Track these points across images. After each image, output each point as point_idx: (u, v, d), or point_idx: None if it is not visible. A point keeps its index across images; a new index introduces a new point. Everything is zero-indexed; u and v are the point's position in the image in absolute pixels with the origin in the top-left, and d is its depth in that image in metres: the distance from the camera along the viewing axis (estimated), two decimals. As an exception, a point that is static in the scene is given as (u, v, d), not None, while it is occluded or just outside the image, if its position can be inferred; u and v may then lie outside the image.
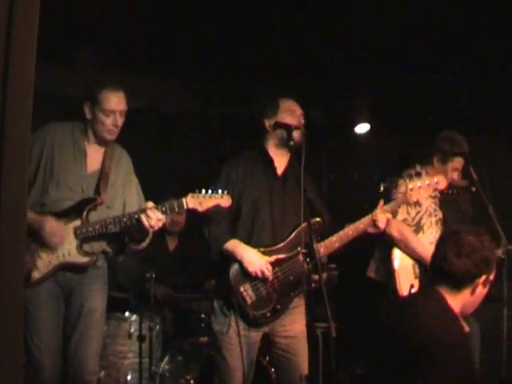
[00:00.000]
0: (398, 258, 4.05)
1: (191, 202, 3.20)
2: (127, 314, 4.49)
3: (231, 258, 3.37)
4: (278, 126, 3.46)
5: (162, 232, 5.30)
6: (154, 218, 3.14)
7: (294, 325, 3.45)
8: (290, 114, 3.52)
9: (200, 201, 3.21)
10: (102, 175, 3.27)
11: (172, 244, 5.32)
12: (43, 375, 3.08)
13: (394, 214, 3.85)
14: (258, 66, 5.39)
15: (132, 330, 4.42)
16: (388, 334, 2.44)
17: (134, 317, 4.46)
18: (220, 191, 3.25)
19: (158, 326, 4.55)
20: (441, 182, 3.66)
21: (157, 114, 6.01)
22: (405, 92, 5.62)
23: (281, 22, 4.71)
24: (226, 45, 5.08)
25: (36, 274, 3.07)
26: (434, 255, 2.48)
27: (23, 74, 1.49)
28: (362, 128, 6.07)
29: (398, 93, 5.66)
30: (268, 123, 3.56)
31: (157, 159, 5.87)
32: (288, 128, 3.41)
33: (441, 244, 2.48)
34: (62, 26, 4.26)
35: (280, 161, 3.58)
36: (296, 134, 3.42)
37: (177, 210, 3.21)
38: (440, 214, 4.23)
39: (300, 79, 5.53)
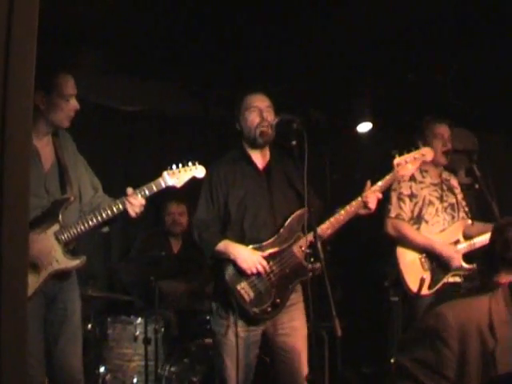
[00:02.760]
0: (402, 255, 4.05)
1: (168, 179, 3.19)
2: (132, 317, 4.51)
3: (225, 258, 3.35)
4: (279, 125, 3.45)
5: (166, 234, 5.32)
6: (138, 203, 3.12)
7: (293, 322, 3.43)
8: (253, 110, 3.47)
9: (176, 176, 3.20)
10: (62, 169, 3.17)
11: (176, 246, 5.33)
12: None
13: (387, 194, 3.84)
14: (259, 68, 5.39)
15: (137, 332, 4.43)
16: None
17: (139, 320, 4.47)
18: (190, 163, 3.25)
19: (163, 329, 4.55)
20: (427, 153, 3.66)
21: (158, 117, 6.02)
22: (407, 91, 5.62)
23: (281, 23, 4.71)
24: (226, 47, 5.09)
25: (28, 291, 2.87)
26: (493, 244, 2.45)
27: (23, 78, 1.49)
28: (364, 127, 6.07)
29: (399, 91, 5.66)
30: (237, 124, 3.54)
31: (158, 162, 5.88)
32: (288, 126, 3.37)
33: (498, 233, 2.45)
34: (63, 29, 4.28)
35: (259, 157, 3.55)
36: (261, 130, 3.44)
37: (155, 190, 3.17)
38: (451, 199, 4.20)
39: (301, 79, 5.53)
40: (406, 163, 3.57)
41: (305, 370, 3.36)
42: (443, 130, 4.19)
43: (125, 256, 5.34)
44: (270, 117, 3.48)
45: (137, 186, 3.24)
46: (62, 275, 3.11)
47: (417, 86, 5.50)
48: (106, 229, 3.41)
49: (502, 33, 4.58)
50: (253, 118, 3.48)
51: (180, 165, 3.23)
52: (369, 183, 3.49)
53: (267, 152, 3.58)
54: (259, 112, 3.47)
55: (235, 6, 4.38)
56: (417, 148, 4.11)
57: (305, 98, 5.81)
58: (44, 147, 3.16)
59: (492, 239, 2.48)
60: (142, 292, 4.85)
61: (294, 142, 3.32)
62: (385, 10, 4.47)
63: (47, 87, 3.06)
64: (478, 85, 5.28)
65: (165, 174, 3.20)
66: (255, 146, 3.52)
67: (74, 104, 3.13)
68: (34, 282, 2.94)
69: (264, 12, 4.53)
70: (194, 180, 3.30)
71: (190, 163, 3.25)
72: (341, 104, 6.10)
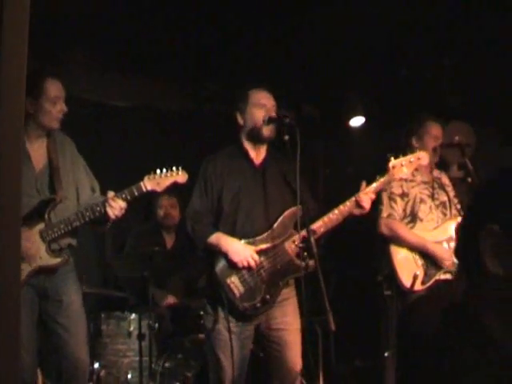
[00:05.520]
0: (395, 252, 4.06)
1: (149, 184, 3.28)
2: (126, 312, 4.51)
3: (217, 251, 3.36)
4: (271, 120, 3.45)
5: (159, 229, 5.31)
6: (117, 206, 3.23)
7: (285, 317, 3.43)
8: (260, 107, 3.48)
9: (157, 181, 3.29)
10: (53, 170, 3.31)
11: (170, 241, 5.32)
12: (23, 375, 3.13)
13: (381, 191, 3.83)
14: (251, 63, 5.38)
15: (131, 328, 4.43)
16: None
17: (133, 315, 4.47)
18: (174, 168, 3.31)
19: (157, 325, 4.54)
20: (423, 158, 3.67)
21: (152, 112, 6.00)
22: (399, 85, 5.62)
23: (274, 17, 4.71)
24: (219, 43, 5.08)
25: None
26: None
27: (14, 75, 1.49)
28: (357, 121, 6.06)
29: (392, 85, 5.66)
30: (240, 117, 3.54)
31: (152, 157, 5.86)
32: (280, 121, 3.39)
33: None
34: (56, 26, 4.26)
35: (256, 153, 3.56)
36: (266, 130, 3.45)
37: (136, 194, 3.27)
38: (442, 197, 4.22)
39: (294, 73, 5.53)
40: (402, 166, 3.58)
41: (298, 364, 3.36)
42: (437, 129, 4.20)
43: (118, 251, 5.33)
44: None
45: (129, 182, 3.31)
46: (46, 271, 3.25)
47: (410, 80, 5.50)
48: (105, 227, 3.47)
49: (497, 32, 4.59)
50: (259, 116, 3.48)
51: (164, 170, 3.31)
52: (364, 184, 3.50)
53: (265, 149, 3.58)
54: (266, 110, 3.47)
55: (227, 2, 4.38)
56: (411, 149, 4.14)
57: (297, 92, 5.80)
58: (36, 150, 3.30)
59: None
60: (135, 288, 4.84)
61: (286, 137, 3.34)
62: (379, 5, 4.47)
63: (35, 92, 3.19)
64: (472, 80, 5.28)
65: (146, 178, 3.28)
66: (256, 141, 3.54)
67: (61, 106, 3.27)
68: None
69: (256, 7, 4.53)
70: (175, 185, 3.37)
71: (174, 168, 3.33)
72: (333, 98, 6.10)
